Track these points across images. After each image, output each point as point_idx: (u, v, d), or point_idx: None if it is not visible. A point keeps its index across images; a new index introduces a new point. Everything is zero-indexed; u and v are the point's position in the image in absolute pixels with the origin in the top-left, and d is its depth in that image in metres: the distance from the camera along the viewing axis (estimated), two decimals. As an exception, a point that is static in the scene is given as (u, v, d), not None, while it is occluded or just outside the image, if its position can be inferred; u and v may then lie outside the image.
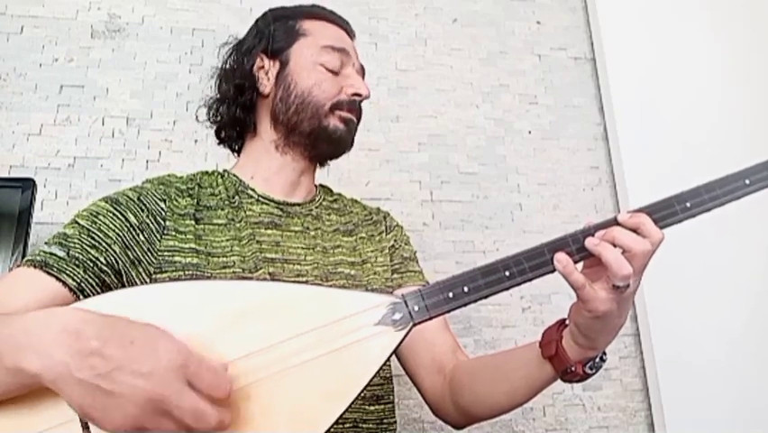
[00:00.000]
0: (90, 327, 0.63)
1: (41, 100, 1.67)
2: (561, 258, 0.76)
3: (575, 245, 0.77)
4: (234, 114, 1.12)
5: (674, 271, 1.77)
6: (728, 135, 1.90)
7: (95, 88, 1.72)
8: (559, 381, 0.87)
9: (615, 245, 0.76)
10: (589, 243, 0.77)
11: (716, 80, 2.02)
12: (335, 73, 1.08)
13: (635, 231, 0.76)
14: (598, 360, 0.84)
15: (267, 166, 1.10)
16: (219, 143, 1.19)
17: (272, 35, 1.11)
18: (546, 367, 0.85)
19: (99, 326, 0.64)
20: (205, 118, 1.16)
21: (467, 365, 1.01)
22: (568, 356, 0.83)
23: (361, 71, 1.15)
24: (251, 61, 1.11)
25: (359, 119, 1.12)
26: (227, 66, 1.15)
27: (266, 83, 1.09)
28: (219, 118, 1.15)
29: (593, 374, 0.85)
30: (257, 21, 1.17)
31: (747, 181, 0.81)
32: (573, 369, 0.83)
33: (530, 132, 1.98)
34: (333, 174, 1.76)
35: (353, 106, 1.09)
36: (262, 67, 1.10)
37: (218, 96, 1.15)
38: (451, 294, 0.76)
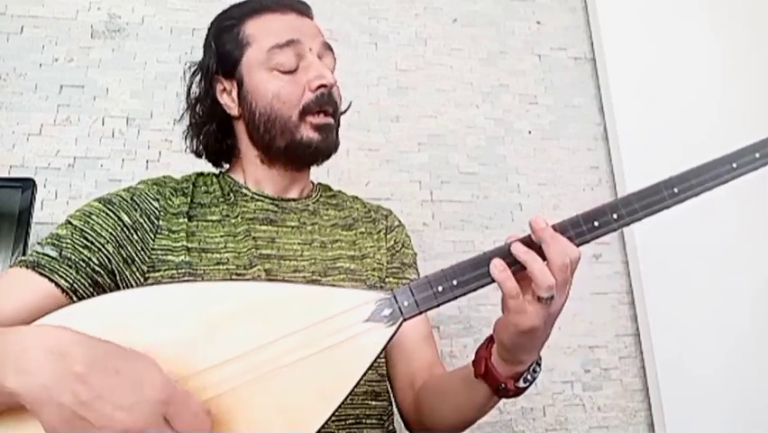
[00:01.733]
0: (77, 351, 0.62)
1: (41, 100, 1.68)
2: (497, 264, 0.74)
3: (509, 257, 0.75)
4: (213, 145, 1.11)
5: (674, 270, 1.77)
6: (728, 135, 1.88)
7: (95, 88, 1.72)
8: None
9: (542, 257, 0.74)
10: (517, 249, 0.75)
11: (716, 80, 2.01)
12: (293, 71, 1.01)
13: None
14: (530, 373, 0.83)
15: (256, 176, 1.08)
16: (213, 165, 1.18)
17: (221, 53, 1.05)
18: (483, 385, 0.84)
19: (87, 350, 0.63)
20: (189, 150, 1.14)
21: (429, 383, 1.01)
22: (498, 373, 0.82)
23: (325, 49, 1.06)
24: (212, 87, 1.07)
25: (335, 112, 1.05)
26: (195, 93, 1.11)
27: (232, 105, 1.06)
28: (201, 149, 1.13)
29: (527, 388, 0.84)
30: (205, 38, 1.12)
31: (734, 165, 0.81)
32: (505, 385, 0.82)
33: (530, 132, 1.97)
34: (333, 174, 1.76)
35: (323, 101, 1.01)
36: (224, 89, 1.06)
37: (193, 127, 1.12)
38: (440, 288, 0.75)
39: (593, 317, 1.82)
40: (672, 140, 1.90)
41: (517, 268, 0.75)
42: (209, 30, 1.11)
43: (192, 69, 1.12)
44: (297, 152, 1.03)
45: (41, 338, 0.64)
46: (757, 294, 1.81)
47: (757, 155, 0.81)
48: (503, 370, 0.82)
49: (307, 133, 1.01)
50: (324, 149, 1.04)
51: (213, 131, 1.09)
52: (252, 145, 1.06)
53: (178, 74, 1.75)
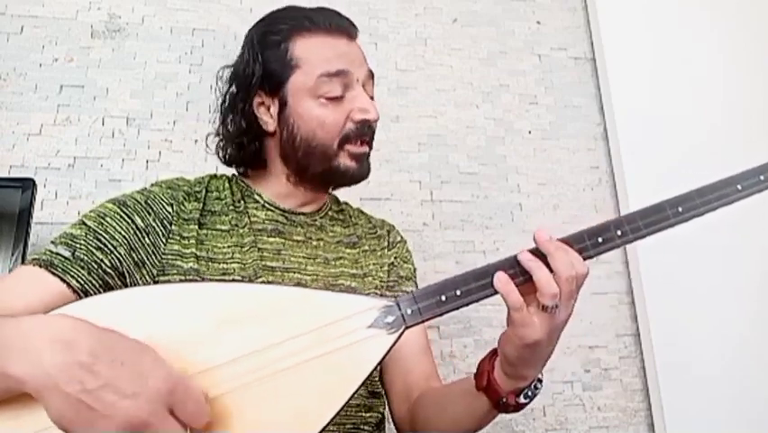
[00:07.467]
0: (84, 340, 0.63)
1: (40, 100, 1.67)
2: (501, 277, 0.76)
3: (513, 270, 0.77)
4: (242, 156, 1.09)
5: (674, 270, 1.77)
6: (729, 135, 1.90)
7: (95, 88, 1.72)
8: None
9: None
10: (523, 257, 0.76)
11: (716, 80, 2.01)
12: (340, 98, 1.00)
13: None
14: (532, 389, 0.84)
15: (277, 190, 1.09)
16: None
17: (266, 70, 1.02)
18: (483, 398, 0.85)
19: (93, 339, 0.64)
20: (214, 152, 1.14)
21: (427, 394, 1.01)
22: (500, 387, 0.83)
23: (369, 77, 1.06)
24: (250, 100, 1.05)
25: (371, 142, 1.06)
26: (228, 100, 1.09)
27: (269, 120, 1.04)
28: (228, 157, 1.12)
29: (527, 403, 0.85)
30: (246, 45, 1.08)
31: (739, 187, 0.82)
32: (506, 400, 0.83)
33: (530, 132, 1.97)
34: (334, 174, 1.76)
35: (363, 132, 1.02)
36: (262, 103, 1.05)
37: (224, 134, 1.10)
38: (443, 297, 0.76)
39: (593, 317, 1.82)
40: (672, 140, 1.90)
41: (521, 281, 0.76)
42: (251, 37, 1.08)
43: (227, 74, 1.11)
44: (331, 178, 1.06)
45: (43, 326, 0.65)
46: (758, 294, 1.81)
47: (762, 177, 0.83)
48: (505, 384, 0.83)
49: (345, 161, 1.02)
50: (358, 177, 1.06)
51: (243, 143, 1.07)
52: (283, 163, 1.07)
53: (179, 74, 1.78)
